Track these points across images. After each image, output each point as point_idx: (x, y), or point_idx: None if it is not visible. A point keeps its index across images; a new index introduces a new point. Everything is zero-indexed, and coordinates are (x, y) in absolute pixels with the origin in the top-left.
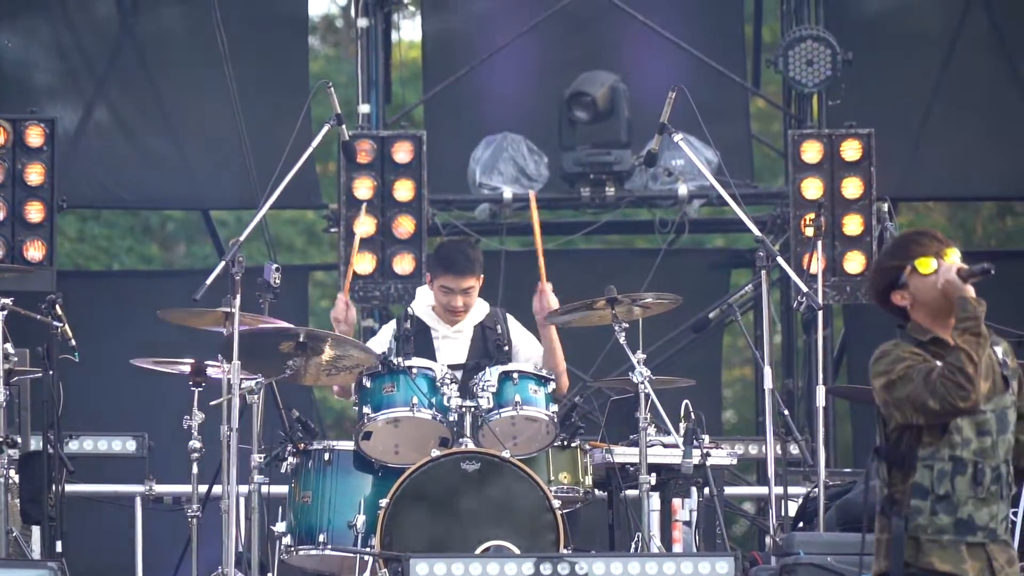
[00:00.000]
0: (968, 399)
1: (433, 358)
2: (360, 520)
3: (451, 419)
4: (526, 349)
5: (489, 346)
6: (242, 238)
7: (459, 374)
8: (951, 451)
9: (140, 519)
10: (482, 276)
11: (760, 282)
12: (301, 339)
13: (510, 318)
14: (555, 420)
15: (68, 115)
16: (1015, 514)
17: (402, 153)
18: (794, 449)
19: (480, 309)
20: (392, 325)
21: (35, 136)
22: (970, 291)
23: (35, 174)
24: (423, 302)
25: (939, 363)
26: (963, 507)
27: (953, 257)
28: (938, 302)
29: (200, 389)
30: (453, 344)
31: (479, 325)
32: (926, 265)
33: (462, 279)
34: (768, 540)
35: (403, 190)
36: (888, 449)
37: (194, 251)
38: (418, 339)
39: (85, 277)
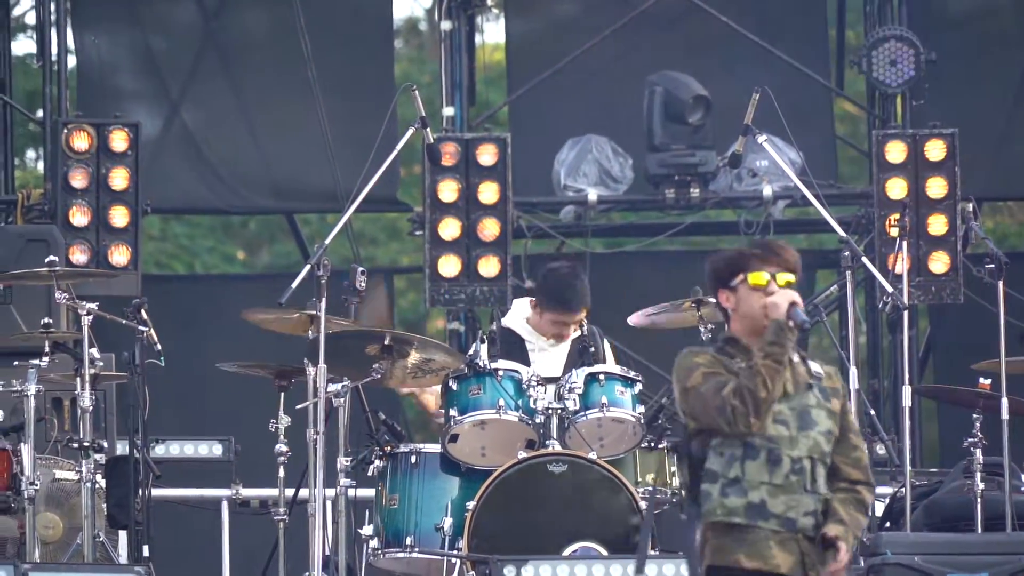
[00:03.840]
0: (751, 426)
1: None
2: (447, 523)
3: (538, 421)
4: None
5: (583, 356)
6: (327, 241)
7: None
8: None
9: (227, 523)
10: None
11: (845, 282)
12: (387, 342)
13: (606, 340)
14: (642, 421)
15: (152, 119)
16: None
17: (487, 156)
18: (880, 449)
19: None
20: (483, 334)
21: (119, 140)
22: (785, 320)
23: (119, 179)
24: (519, 315)
25: (732, 378)
26: (754, 491)
27: (785, 281)
28: (758, 318)
29: (286, 392)
30: (550, 357)
31: (576, 339)
32: (758, 279)
33: (571, 315)
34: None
35: (488, 193)
36: (687, 447)
37: (276, 249)
38: (513, 352)
39: (169, 281)
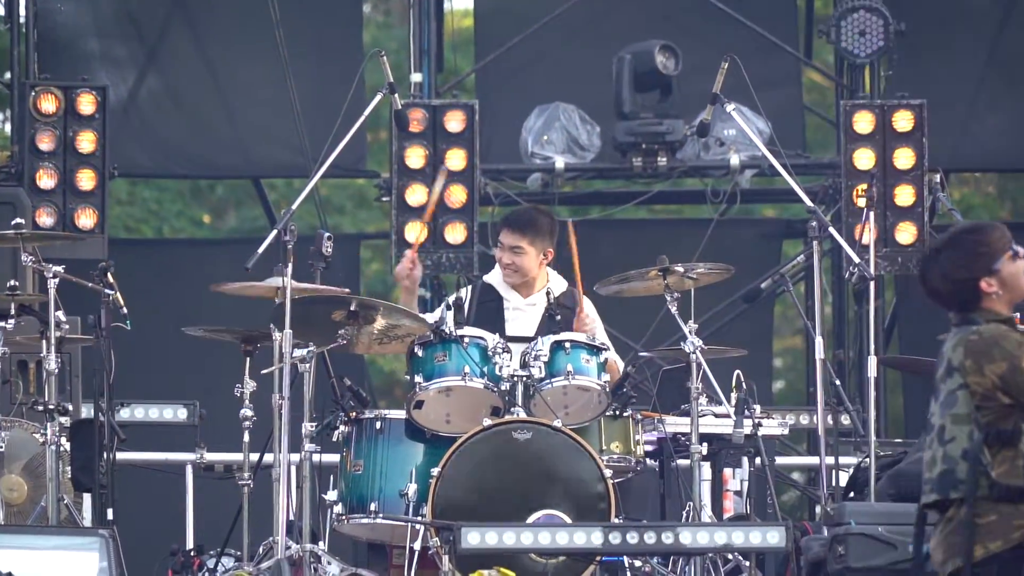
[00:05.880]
0: None
1: (502, 329)
2: (412, 489)
3: (503, 388)
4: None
5: (552, 324)
6: (294, 207)
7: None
8: None
9: (191, 487)
10: (544, 247)
11: (812, 252)
12: (353, 308)
13: (586, 301)
14: (607, 390)
15: (120, 83)
16: None
17: (454, 122)
18: (845, 419)
19: (556, 285)
20: (449, 300)
21: (87, 104)
22: None
23: (86, 142)
24: (499, 273)
25: None
26: None
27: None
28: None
29: (252, 357)
30: (524, 316)
31: (552, 301)
32: (1017, 252)
33: (511, 235)
34: (819, 510)
35: (455, 159)
36: (994, 432)
37: (243, 214)
38: (490, 309)
39: (136, 245)
